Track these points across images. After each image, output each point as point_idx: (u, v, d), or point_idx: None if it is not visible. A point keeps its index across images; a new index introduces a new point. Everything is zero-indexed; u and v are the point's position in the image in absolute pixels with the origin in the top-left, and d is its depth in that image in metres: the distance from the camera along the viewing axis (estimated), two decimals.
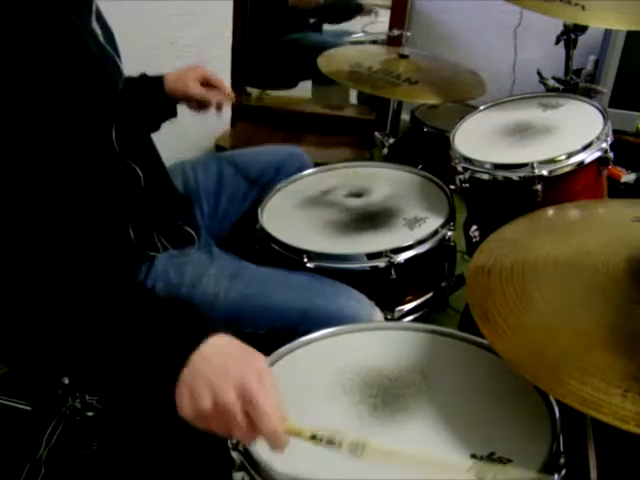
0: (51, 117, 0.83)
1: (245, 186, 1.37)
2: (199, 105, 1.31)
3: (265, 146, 1.51)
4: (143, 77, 1.29)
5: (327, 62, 1.67)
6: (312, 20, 2.70)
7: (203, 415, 0.71)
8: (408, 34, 1.73)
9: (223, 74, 2.33)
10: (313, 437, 0.73)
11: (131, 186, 1.03)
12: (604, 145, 1.28)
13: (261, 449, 0.75)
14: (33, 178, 0.83)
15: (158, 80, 1.29)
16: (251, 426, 0.70)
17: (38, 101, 0.81)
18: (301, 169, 1.43)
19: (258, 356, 0.76)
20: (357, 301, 1.08)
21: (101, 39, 0.96)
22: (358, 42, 2.61)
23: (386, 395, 0.84)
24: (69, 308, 0.78)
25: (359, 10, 2.69)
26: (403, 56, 1.69)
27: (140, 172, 1.03)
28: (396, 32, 1.87)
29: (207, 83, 1.31)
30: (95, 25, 0.95)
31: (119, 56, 1.03)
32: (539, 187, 1.24)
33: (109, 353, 0.77)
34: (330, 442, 0.72)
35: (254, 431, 0.70)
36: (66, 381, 1.26)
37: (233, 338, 0.77)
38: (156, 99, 1.28)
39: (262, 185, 1.38)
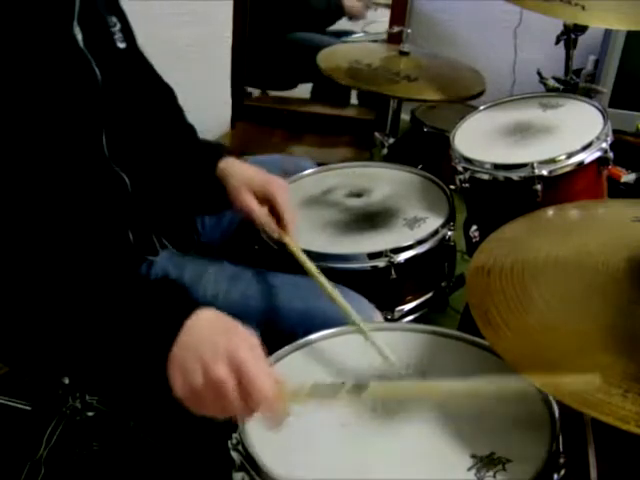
0: (28, 120, 0.84)
1: None
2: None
3: (272, 155, 1.50)
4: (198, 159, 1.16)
5: (326, 59, 1.68)
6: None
7: (196, 392, 0.71)
8: (408, 31, 1.73)
9: (223, 74, 2.33)
10: (315, 387, 0.72)
11: (118, 192, 1.02)
12: (604, 145, 1.28)
13: (261, 449, 0.76)
14: (18, 176, 0.83)
15: (211, 168, 1.12)
16: (245, 397, 0.70)
17: (8, 104, 0.82)
18: None
19: (246, 330, 0.76)
20: (358, 303, 1.08)
21: (80, 44, 0.95)
22: (358, 42, 2.62)
23: None
24: (63, 297, 0.79)
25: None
26: (403, 53, 1.68)
27: (127, 179, 1.03)
28: (396, 28, 1.87)
29: (270, 205, 1.09)
30: (76, 30, 0.94)
31: (109, 58, 1.02)
32: (539, 187, 1.24)
33: (100, 338, 0.78)
34: (332, 389, 0.72)
35: (248, 402, 0.70)
36: (66, 381, 1.26)
37: (220, 313, 0.77)
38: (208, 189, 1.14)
39: None
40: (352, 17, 2.68)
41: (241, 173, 1.10)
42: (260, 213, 1.08)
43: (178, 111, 1.24)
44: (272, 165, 1.40)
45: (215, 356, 0.71)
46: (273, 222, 1.08)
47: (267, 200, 1.09)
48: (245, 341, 0.74)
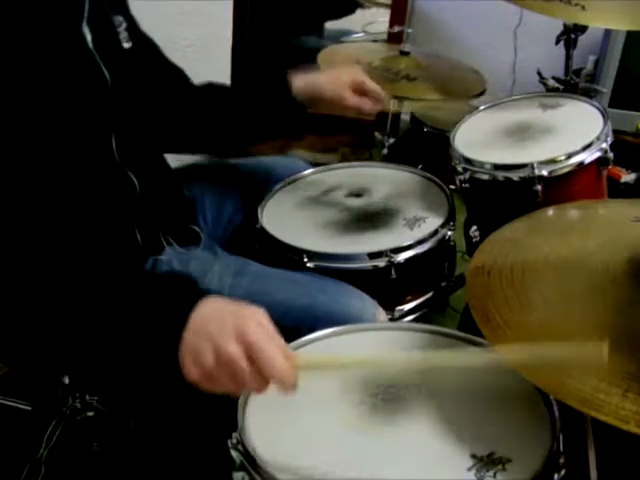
0: (36, 122, 0.84)
1: (248, 193, 1.37)
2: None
3: (269, 156, 1.50)
4: (269, 79, 1.22)
5: (327, 58, 1.68)
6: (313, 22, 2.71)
7: (208, 373, 0.72)
8: (409, 31, 1.73)
9: (223, 74, 2.33)
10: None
11: (127, 194, 1.03)
12: (604, 145, 1.28)
13: (261, 448, 0.76)
14: (29, 178, 0.84)
15: (283, 84, 1.19)
16: (258, 371, 0.71)
17: (19, 107, 0.82)
18: None
19: (254, 308, 0.77)
20: (361, 300, 1.08)
21: (90, 45, 0.95)
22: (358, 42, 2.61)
23: (386, 395, 0.84)
24: (71, 294, 0.80)
25: (357, 5, 2.69)
26: (404, 53, 1.68)
27: (136, 181, 1.03)
28: (397, 28, 1.87)
29: (362, 90, 1.21)
30: (85, 30, 0.94)
31: (116, 59, 1.02)
32: (539, 187, 1.24)
33: (107, 331, 0.79)
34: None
35: (262, 376, 0.71)
36: (66, 381, 1.26)
37: (226, 299, 0.78)
38: (280, 107, 1.21)
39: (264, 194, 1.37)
40: None
41: (329, 81, 1.21)
42: (364, 102, 1.21)
43: (191, 92, 1.25)
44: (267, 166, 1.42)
45: (224, 334, 0.72)
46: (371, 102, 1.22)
47: (357, 89, 1.21)
48: (253, 317, 0.75)
